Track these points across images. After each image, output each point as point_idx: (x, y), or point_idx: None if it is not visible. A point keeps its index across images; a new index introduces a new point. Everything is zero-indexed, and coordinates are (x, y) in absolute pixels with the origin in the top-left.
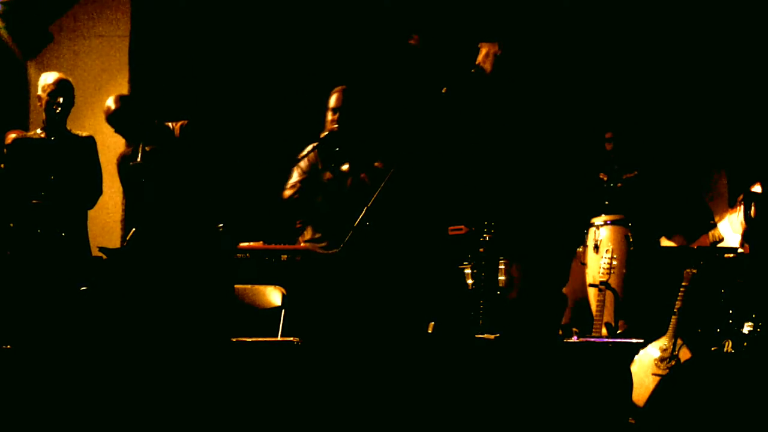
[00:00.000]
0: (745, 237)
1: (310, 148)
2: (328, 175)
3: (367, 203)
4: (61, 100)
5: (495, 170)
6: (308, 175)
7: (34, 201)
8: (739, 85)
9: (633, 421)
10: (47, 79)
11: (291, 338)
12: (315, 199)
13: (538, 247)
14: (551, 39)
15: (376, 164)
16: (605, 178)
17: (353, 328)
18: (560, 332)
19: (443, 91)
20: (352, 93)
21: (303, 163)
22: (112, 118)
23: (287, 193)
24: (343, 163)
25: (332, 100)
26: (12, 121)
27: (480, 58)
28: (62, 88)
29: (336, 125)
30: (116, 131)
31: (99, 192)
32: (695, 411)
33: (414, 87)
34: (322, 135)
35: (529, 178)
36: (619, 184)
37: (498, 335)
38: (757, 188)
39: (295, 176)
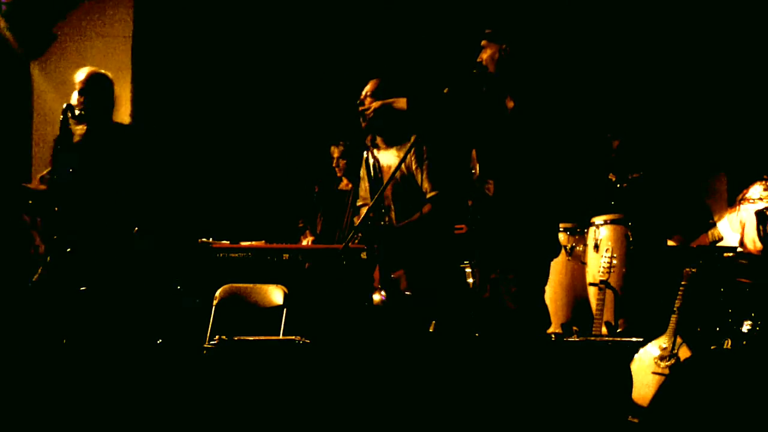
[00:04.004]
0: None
1: None
2: None
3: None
4: (82, 99)
5: (492, 171)
6: None
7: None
8: (738, 90)
9: (633, 420)
10: (75, 78)
11: (293, 337)
12: None
13: (526, 251)
14: (555, 41)
15: None
16: (613, 179)
17: (355, 327)
18: (560, 331)
19: (445, 91)
20: None
21: None
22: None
23: None
24: None
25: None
26: (15, 121)
27: (483, 57)
28: (82, 85)
29: None
30: None
31: None
32: (698, 410)
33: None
34: None
35: (525, 181)
36: (625, 184)
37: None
38: (754, 189)
39: None
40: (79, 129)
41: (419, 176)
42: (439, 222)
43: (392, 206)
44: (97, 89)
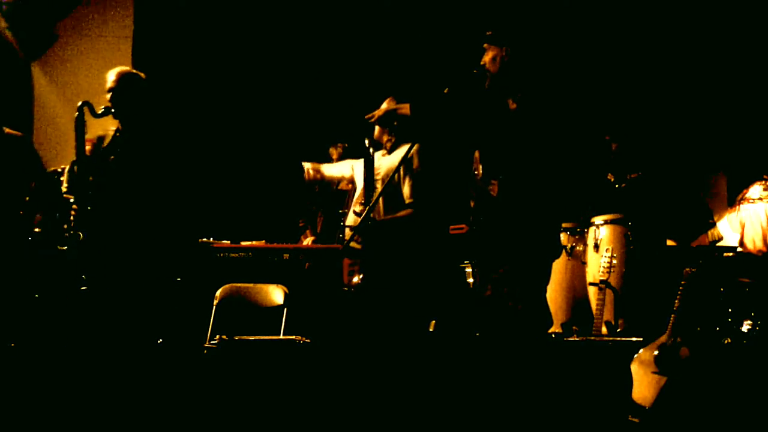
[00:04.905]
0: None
1: None
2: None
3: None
4: (110, 98)
5: (493, 171)
6: None
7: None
8: (738, 90)
9: (633, 420)
10: (107, 77)
11: (293, 337)
12: None
13: (528, 251)
14: (555, 43)
15: None
16: (612, 179)
17: (356, 327)
18: (560, 330)
19: (445, 91)
20: None
21: None
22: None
23: None
24: None
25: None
26: (16, 122)
27: (484, 59)
28: (113, 85)
29: None
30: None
31: None
32: (698, 410)
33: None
34: None
35: (527, 182)
36: (623, 185)
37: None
38: (754, 189)
39: None
40: (110, 130)
41: (403, 184)
42: (415, 226)
43: (381, 208)
44: (127, 89)
